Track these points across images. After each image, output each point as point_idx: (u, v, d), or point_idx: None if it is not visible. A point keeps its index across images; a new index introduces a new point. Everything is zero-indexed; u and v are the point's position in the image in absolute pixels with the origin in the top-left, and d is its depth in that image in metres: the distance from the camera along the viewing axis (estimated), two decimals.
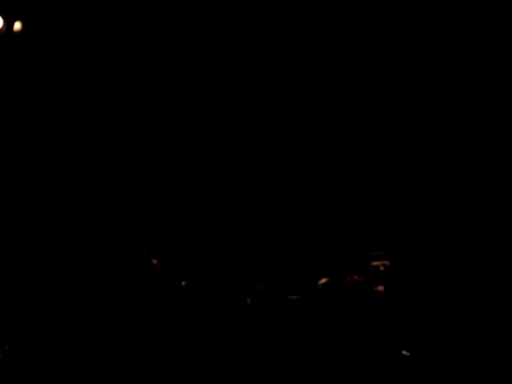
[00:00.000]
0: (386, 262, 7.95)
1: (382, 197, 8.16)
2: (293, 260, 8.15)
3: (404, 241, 8.05)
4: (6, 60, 7.97)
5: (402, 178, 8.12)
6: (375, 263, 7.97)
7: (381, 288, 7.87)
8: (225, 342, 7.48)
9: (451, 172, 8.08)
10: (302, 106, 8.24)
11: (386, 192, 8.14)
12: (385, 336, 7.60)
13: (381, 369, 7.40)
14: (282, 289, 7.91)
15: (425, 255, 7.96)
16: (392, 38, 8.13)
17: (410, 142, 8.18)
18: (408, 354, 7.41)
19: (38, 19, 8.14)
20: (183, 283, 7.65)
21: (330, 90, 8.20)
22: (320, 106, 8.21)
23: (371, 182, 8.16)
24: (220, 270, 7.95)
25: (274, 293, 7.90)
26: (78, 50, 8.18)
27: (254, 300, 7.75)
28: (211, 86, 8.23)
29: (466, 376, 7.14)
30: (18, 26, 8.00)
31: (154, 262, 7.70)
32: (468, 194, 7.96)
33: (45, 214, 7.85)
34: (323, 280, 7.87)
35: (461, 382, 7.11)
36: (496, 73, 7.92)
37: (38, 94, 8.10)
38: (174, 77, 8.23)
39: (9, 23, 7.96)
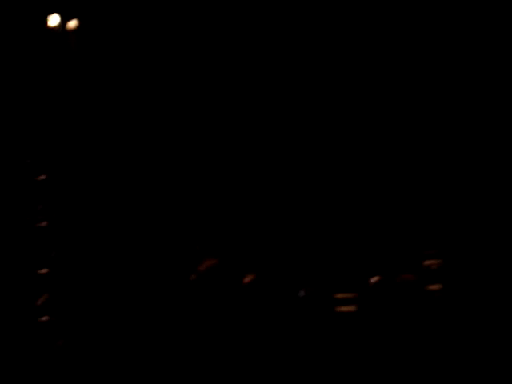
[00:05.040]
0: (439, 261, 7.91)
1: (432, 195, 8.12)
2: (343, 258, 8.15)
3: (457, 239, 8.00)
4: (63, 58, 8.06)
5: (450, 175, 8.08)
6: (428, 262, 7.94)
7: (434, 287, 7.83)
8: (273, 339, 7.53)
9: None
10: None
11: (435, 190, 8.10)
12: (439, 336, 7.57)
13: (432, 368, 7.37)
14: (331, 287, 7.92)
15: (479, 254, 7.90)
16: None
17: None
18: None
19: (94, 16, 8.22)
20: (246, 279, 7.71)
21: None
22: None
23: (420, 181, 8.13)
24: (266, 266, 7.97)
25: (323, 291, 7.90)
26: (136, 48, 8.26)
27: (306, 295, 7.77)
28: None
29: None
30: (74, 23, 8.09)
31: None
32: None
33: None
34: (375, 278, 7.85)
35: None
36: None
37: (96, 93, 8.18)
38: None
39: (64, 21, 8.06)
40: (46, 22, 7.99)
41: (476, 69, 8.00)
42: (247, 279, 7.79)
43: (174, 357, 7.45)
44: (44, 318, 7.43)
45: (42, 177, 7.67)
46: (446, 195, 8.13)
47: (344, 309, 7.88)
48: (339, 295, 7.92)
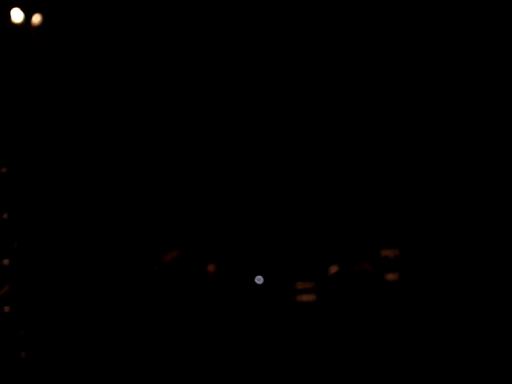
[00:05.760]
0: (397, 251, 8.03)
1: (390, 186, 8.24)
2: (301, 248, 8.24)
3: (414, 230, 8.12)
4: (26, 54, 8.10)
5: (410, 169, 8.20)
6: (385, 252, 8.06)
7: (391, 276, 7.95)
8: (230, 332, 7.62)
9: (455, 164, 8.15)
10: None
11: (393, 182, 8.22)
12: (394, 325, 7.68)
13: (389, 359, 7.48)
14: (290, 277, 8.01)
15: (436, 245, 8.02)
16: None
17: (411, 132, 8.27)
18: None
19: (58, 12, 8.26)
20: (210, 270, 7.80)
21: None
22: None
23: (378, 173, 8.24)
24: (226, 258, 8.05)
25: (282, 281, 8.00)
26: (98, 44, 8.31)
27: (263, 287, 7.87)
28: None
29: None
30: (37, 19, 8.15)
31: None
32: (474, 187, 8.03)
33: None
34: (333, 268, 7.97)
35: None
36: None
37: (58, 90, 8.23)
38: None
39: (28, 16, 8.12)
40: (8, 18, 8.05)
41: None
42: (210, 268, 7.90)
43: (139, 344, 7.52)
44: (5, 309, 7.47)
45: (3, 169, 7.73)
46: (402, 187, 8.25)
47: (304, 298, 7.99)
48: (299, 284, 8.03)
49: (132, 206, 8.16)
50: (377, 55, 8.34)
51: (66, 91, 8.27)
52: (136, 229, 8.11)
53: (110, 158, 8.18)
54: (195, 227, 8.25)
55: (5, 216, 7.67)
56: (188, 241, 8.10)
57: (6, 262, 7.59)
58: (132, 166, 8.23)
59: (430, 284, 7.88)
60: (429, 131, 8.26)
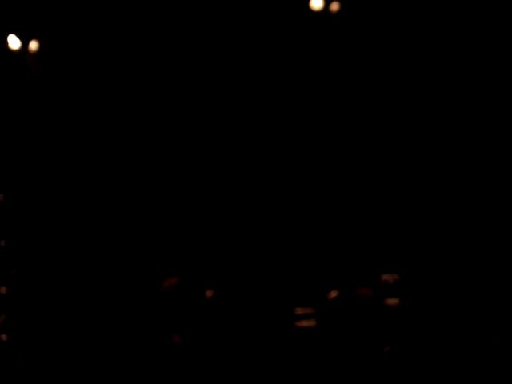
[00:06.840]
0: (396, 276, 7.84)
1: (389, 210, 8.06)
2: (301, 273, 8.11)
3: (413, 254, 7.92)
4: (23, 81, 8.17)
5: (409, 190, 8.01)
6: (385, 277, 7.87)
7: (391, 301, 7.76)
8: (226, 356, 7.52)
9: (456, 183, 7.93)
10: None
11: (392, 205, 8.03)
12: (395, 349, 7.48)
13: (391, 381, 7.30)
14: (290, 302, 7.88)
15: (435, 268, 7.82)
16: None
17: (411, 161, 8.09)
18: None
19: (54, 39, 8.31)
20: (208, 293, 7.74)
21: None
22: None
23: (378, 195, 8.06)
24: (225, 283, 7.96)
25: (282, 306, 7.88)
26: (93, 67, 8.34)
27: (261, 313, 7.75)
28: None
29: None
30: (34, 45, 8.20)
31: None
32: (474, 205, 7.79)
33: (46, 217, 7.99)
34: (333, 293, 7.79)
35: None
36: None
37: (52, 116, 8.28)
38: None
39: (25, 43, 8.17)
40: (5, 44, 8.11)
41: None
42: (209, 294, 7.82)
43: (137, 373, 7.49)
44: (3, 337, 7.51)
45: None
46: (402, 212, 8.08)
47: (304, 323, 7.85)
48: (299, 310, 7.89)
49: (130, 232, 8.14)
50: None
51: (63, 115, 8.31)
52: (135, 255, 8.08)
53: (105, 181, 8.19)
54: (193, 253, 8.19)
55: (2, 243, 7.72)
56: (186, 267, 8.03)
57: (3, 289, 7.64)
58: (129, 188, 8.22)
59: (431, 309, 7.66)
60: (426, 146, 8.09)
